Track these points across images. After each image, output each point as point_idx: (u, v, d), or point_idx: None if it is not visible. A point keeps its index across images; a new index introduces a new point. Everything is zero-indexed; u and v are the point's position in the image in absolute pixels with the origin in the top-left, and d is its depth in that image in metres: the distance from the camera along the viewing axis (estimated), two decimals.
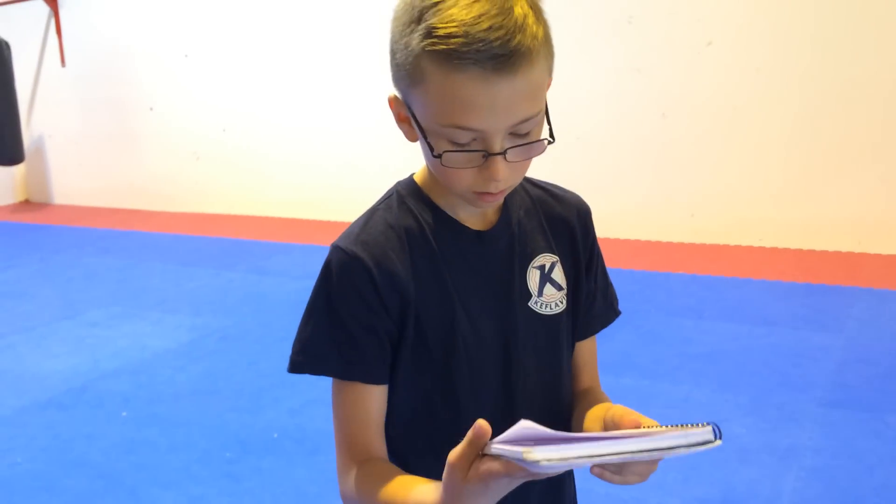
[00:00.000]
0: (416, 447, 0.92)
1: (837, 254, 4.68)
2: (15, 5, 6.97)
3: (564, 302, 0.98)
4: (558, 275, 0.98)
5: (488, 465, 0.69)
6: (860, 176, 4.63)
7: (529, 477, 0.70)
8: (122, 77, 6.91)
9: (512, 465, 0.68)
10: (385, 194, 0.97)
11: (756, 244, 4.92)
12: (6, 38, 6.77)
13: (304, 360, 0.92)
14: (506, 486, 0.72)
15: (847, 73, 4.56)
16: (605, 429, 0.83)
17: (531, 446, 0.66)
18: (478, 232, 0.94)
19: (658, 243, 5.11)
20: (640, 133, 5.11)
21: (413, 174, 0.98)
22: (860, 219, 4.66)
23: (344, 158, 5.99)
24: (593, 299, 1.03)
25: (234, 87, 6.40)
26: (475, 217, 0.95)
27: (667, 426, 0.75)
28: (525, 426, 0.69)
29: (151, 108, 6.83)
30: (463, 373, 0.93)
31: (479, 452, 0.71)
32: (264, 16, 6.17)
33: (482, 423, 0.70)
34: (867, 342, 3.37)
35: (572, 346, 1.03)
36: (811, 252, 4.74)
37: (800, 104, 4.70)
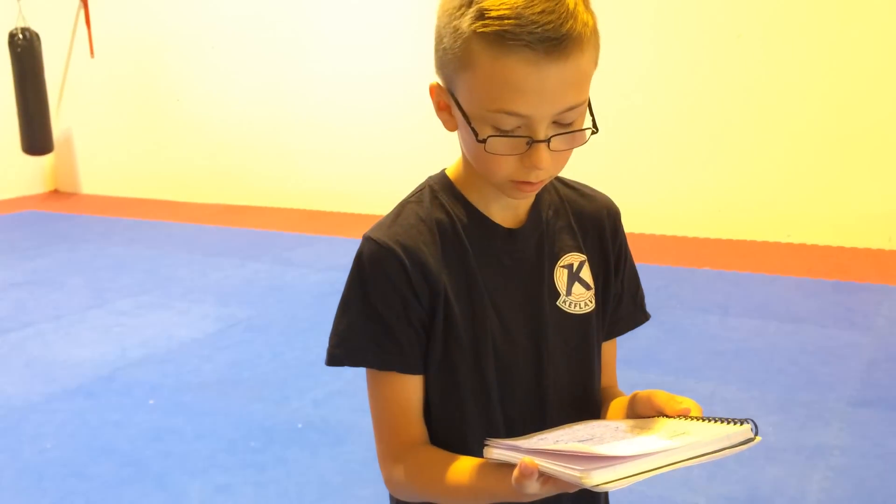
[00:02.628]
0: (448, 442, 0.92)
1: (867, 250, 4.62)
2: None
3: (593, 302, 0.98)
4: (586, 274, 0.98)
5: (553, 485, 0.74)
6: (891, 171, 4.56)
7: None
8: (150, 68, 6.96)
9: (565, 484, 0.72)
10: (416, 188, 0.97)
11: (784, 240, 4.87)
12: (36, 29, 6.85)
13: (342, 352, 0.92)
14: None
15: (879, 68, 4.49)
16: (634, 407, 0.86)
17: (587, 471, 0.68)
18: (509, 230, 0.94)
19: (685, 238, 5.07)
20: (668, 127, 5.07)
21: (445, 169, 0.97)
22: (891, 215, 4.59)
23: (369, 151, 6.00)
24: (619, 301, 1.02)
25: (260, 80, 6.43)
26: (506, 214, 0.95)
27: (704, 419, 0.77)
28: (578, 447, 0.71)
29: (178, 100, 6.88)
30: (493, 370, 0.93)
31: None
32: (291, 7, 6.19)
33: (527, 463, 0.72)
34: None
35: (601, 347, 1.02)
36: (840, 249, 4.68)
37: (830, 98, 4.64)
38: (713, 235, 5.04)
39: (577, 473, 0.68)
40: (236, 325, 3.79)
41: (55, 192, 7.76)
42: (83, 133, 7.54)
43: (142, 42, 6.94)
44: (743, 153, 4.92)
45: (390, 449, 0.92)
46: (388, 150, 5.86)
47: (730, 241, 4.95)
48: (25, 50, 6.74)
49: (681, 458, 0.71)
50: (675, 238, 5.09)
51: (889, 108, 4.50)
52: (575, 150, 0.87)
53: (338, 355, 0.92)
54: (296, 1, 6.16)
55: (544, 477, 0.73)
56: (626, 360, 3.09)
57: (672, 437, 0.75)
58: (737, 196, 4.97)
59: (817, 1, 4.59)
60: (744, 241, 4.93)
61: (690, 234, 5.10)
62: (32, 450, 2.65)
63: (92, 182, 7.59)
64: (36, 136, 6.96)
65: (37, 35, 6.81)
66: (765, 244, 4.86)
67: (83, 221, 6.40)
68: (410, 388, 0.92)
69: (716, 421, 0.76)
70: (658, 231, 5.15)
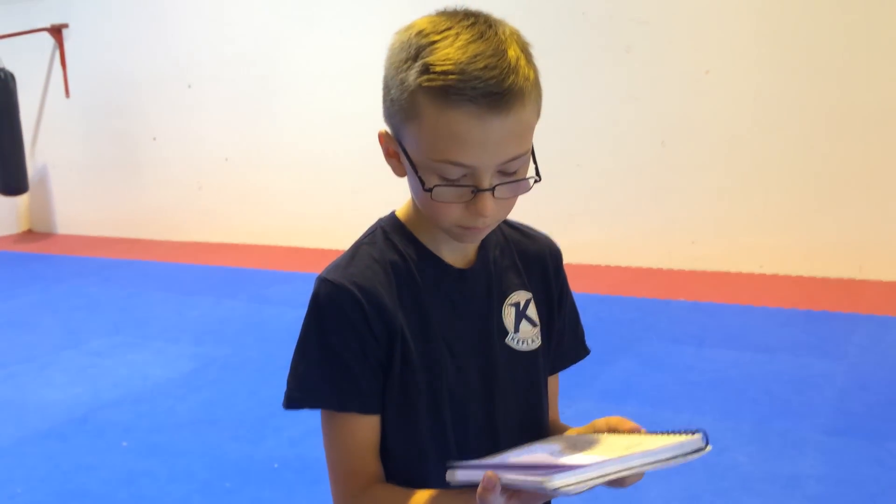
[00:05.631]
0: (406, 480, 0.93)
1: (838, 280, 4.69)
2: (20, 37, 7.05)
3: (539, 338, 1.01)
4: (532, 312, 1.00)
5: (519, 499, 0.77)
6: (860, 202, 4.64)
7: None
8: (126, 108, 6.97)
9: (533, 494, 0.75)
10: (368, 230, 0.99)
11: (757, 271, 4.92)
12: (11, 69, 6.85)
13: (301, 395, 0.93)
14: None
15: (845, 99, 4.59)
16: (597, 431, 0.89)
17: (548, 475, 0.71)
18: (460, 270, 0.96)
19: (659, 270, 5.12)
20: (640, 161, 5.14)
21: (394, 211, 0.99)
22: (861, 245, 4.67)
23: (345, 188, 6.02)
24: (562, 336, 1.05)
25: (237, 118, 6.46)
26: (456, 255, 0.97)
27: (657, 433, 0.81)
28: (539, 456, 0.75)
29: (154, 139, 6.88)
30: (447, 407, 0.94)
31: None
32: (266, 47, 6.24)
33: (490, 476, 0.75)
34: (869, 369, 3.36)
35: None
36: (812, 279, 4.74)
37: (798, 131, 4.73)
38: (687, 267, 5.09)
39: (538, 478, 0.71)
40: (212, 364, 3.76)
41: (29, 233, 7.70)
42: (58, 173, 7.50)
43: (117, 81, 6.95)
44: (715, 185, 4.99)
45: (348, 491, 0.93)
46: (363, 186, 5.87)
47: (703, 273, 5.00)
48: (0, 90, 6.73)
49: (636, 464, 0.74)
50: (649, 270, 5.13)
51: (857, 139, 4.60)
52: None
53: (296, 398, 0.93)
54: (272, 39, 6.22)
55: (508, 493, 0.76)
56: (603, 391, 3.10)
57: (628, 447, 0.79)
58: (710, 228, 5.03)
59: (785, 35, 4.70)
60: (717, 273, 4.98)
61: (665, 265, 5.15)
62: (3, 495, 2.60)
63: (67, 222, 7.54)
64: (11, 177, 6.92)
65: (11, 75, 6.80)
66: (738, 275, 4.92)
67: (57, 261, 6.35)
68: (368, 428, 0.93)
69: (668, 434, 0.80)
70: (632, 263, 5.19)
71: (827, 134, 4.66)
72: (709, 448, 0.77)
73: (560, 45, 5.04)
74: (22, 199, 7.61)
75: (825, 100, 4.63)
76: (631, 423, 0.85)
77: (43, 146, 7.50)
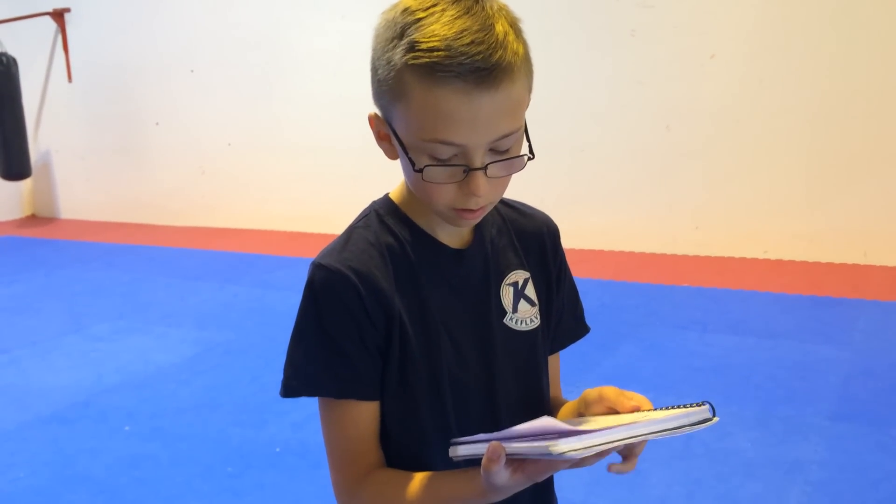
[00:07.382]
0: (408, 464, 0.92)
1: (843, 265, 4.67)
2: (22, 22, 7.02)
3: (538, 318, 1.00)
4: (531, 291, 1.00)
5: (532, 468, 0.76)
6: (865, 187, 4.61)
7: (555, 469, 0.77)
8: (129, 92, 6.95)
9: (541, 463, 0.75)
10: (362, 213, 0.98)
11: (761, 256, 4.90)
12: (13, 54, 6.82)
13: (298, 383, 0.91)
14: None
15: (851, 85, 4.56)
16: (587, 408, 0.88)
17: (554, 440, 0.70)
18: (456, 251, 0.95)
19: (662, 255, 5.10)
20: (644, 145, 5.11)
21: (388, 193, 0.98)
22: (866, 230, 4.65)
23: (348, 172, 6.00)
24: (561, 315, 1.04)
25: (239, 102, 6.43)
26: (452, 236, 0.95)
27: (663, 408, 0.80)
28: (545, 422, 0.74)
29: (157, 123, 6.86)
30: (447, 390, 0.93)
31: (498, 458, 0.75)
32: (269, 31, 6.20)
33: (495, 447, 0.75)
34: (873, 355, 3.35)
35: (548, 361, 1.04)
36: (816, 264, 4.73)
37: (804, 116, 4.70)
38: (691, 252, 5.07)
39: (544, 443, 0.70)
40: (214, 348, 3.76)
41: (32, 217, 7.70)
42: (61, 157, 7.49)
43: (120, 66, 6.93)
44: (719, 170, 4.96)
45: (349, 479, 0.92)
46: (366, 170, 5.85)
47: (707, 258, 4.98)
48: (2, 75, 6.70)
49: (643, 432, 0.74)
50: (652, 255, 5.11)
51: (862, 124, 4.57)
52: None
53: (294, 386, 0.92)
54: (274, 23, 6.18)
55: (513, 466, 0.75)
56: (605, 377, 3.10)
57: (635, 417, 0.79)
58: (713, 213, 5.01)
59: (790, 21, 4.66)
60: (721, 258, 4.96)
61: (668, 251, 5.13)
62: (5, 479, 2.61)
63: (70, 207, 7.53)
64: (13, 161, 6.90)
65: (13, 59, 6.78)
66: (742, 260, 4.90)
67: (61, 246, 6.35)
68: (367, 415, 0.92)
69: (673, 408, 0.79)
70: (636, 248, 5.17)
71: (832, 119, 4.63)
72: (716, 419, 0.77)
73: (564, 29, 5.00)
74: (25, 184, 7.61)
75: (830, 84, 4.60)
76: (629, 404, 0.83)
77: (45, 131, 7.49)
